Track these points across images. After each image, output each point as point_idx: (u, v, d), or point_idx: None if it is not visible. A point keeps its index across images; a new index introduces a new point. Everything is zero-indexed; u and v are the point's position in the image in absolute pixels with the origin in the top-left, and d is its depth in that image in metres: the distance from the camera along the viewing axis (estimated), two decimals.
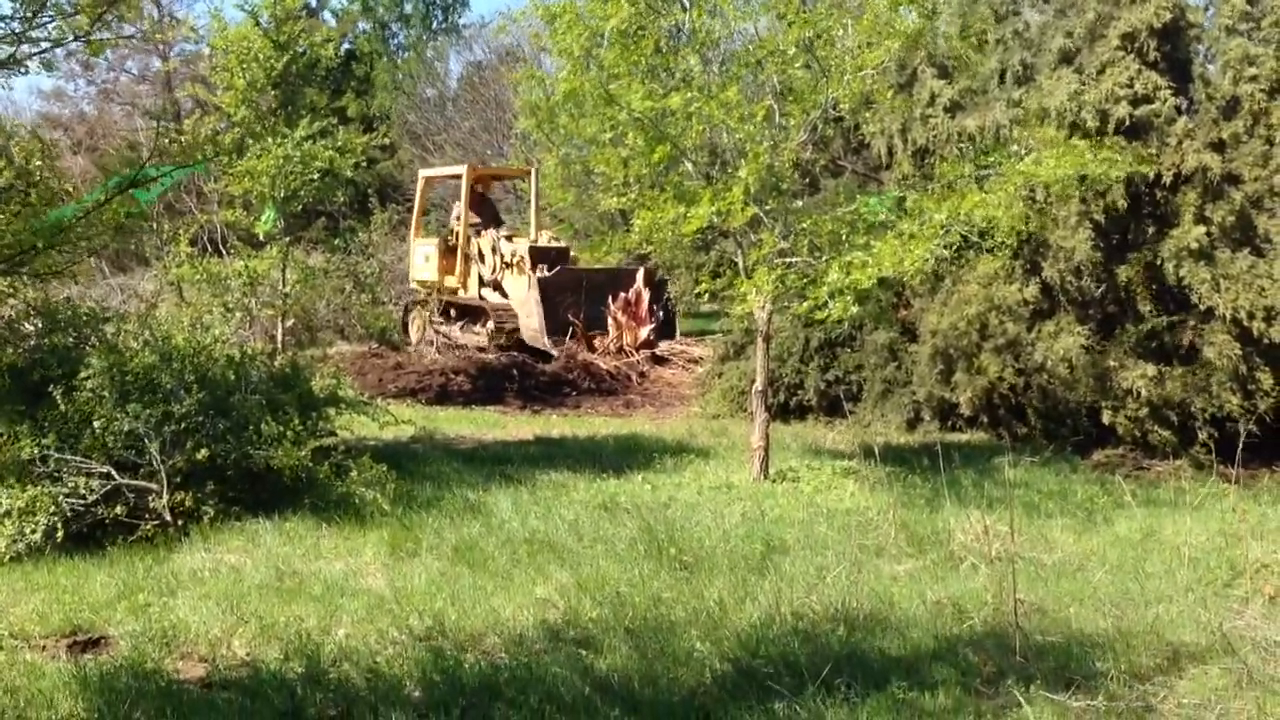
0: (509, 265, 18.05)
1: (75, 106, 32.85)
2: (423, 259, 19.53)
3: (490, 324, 17.59)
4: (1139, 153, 10.10)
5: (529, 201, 22.51)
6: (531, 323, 16.80)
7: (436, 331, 18.07)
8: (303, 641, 5.08)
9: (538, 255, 17.68)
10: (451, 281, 19.07)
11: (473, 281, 18.80)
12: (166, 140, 7.86)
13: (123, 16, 5.38)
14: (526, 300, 17.04)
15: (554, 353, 16.09)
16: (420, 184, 20.42)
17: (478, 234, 18.91)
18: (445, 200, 25.22)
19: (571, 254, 18.69)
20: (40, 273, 7.29)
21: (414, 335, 19.03)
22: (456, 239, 19.02)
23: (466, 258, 18.82)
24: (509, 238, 18.80)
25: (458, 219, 19.21)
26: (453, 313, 18.68)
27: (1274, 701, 4.35)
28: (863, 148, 14.02)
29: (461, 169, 19.75)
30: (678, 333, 18.21)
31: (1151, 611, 5.58)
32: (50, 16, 4.87)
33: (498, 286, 18.34)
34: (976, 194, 8.31)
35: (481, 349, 17.31)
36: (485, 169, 21.29)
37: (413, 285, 20.09)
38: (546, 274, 16.94)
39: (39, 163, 6.61)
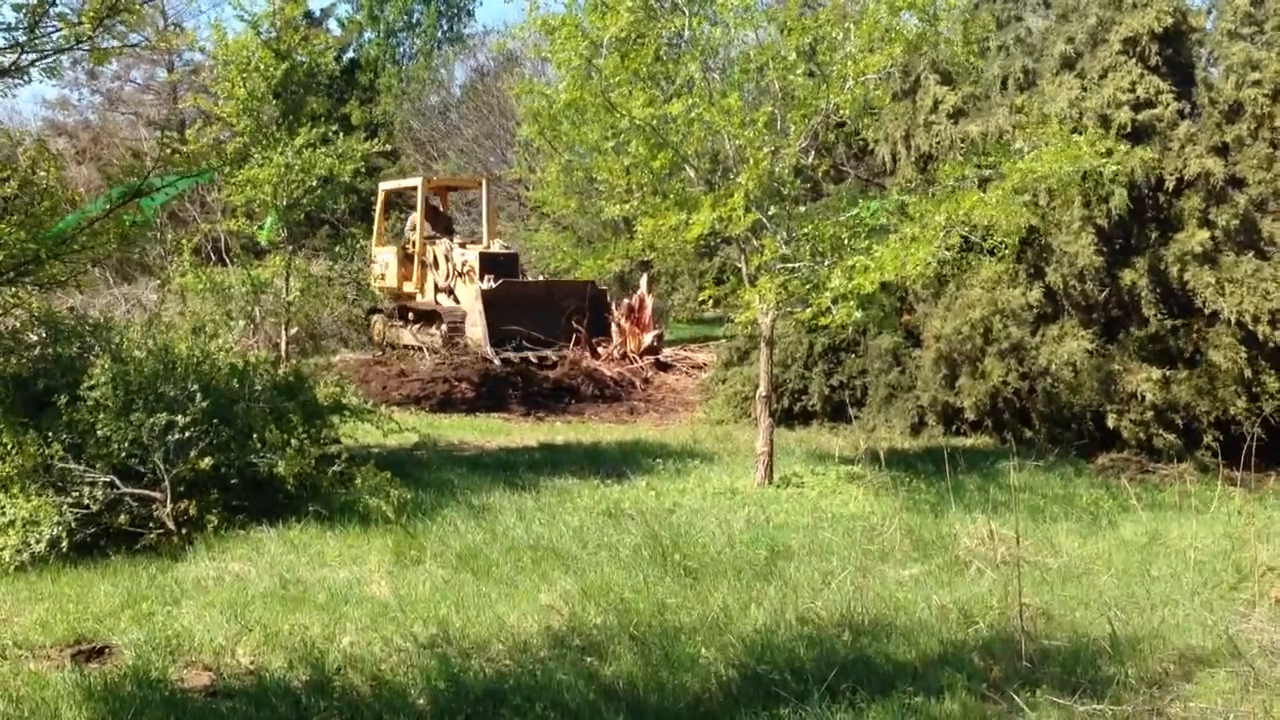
0: (460, 274, 18.54)
1: (80, 115, 32.93)
2: (384, 265, 20.10)
3: (444, 327, 17.84)
4: (1141, 155, 10.09)
5: (534, 209, 22.49)
6: (476, 333, 17.19)
7: (429, 336, 18.30)
8: (307, 649, 5.07)
9: (487, 261, 18.10)
10: (409, 287, 19.67)
11: (429, 287, 19.38)
12: (170, 150, 7.88)
13: (127, 24, 5.38)
14: (472, 310, 17.43)
15: (496, 362, 16.32)
16: (381, 196, 20.94)
17: (433, 242, 19.41)
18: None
19: (521, 261, 19.58)
20: (44, 283, 7.31)
21: (375, 338, 19.63)
22: (413, 247, 19.59)
23: (423, 265, 19.42)
24: (463, 245, 19.33)
25: (412, 229, 19.84)
26: (411, 316, 19.19)
27: None
28: (866, 153, 14.02)
29: (413, 181, 20.54)
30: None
31: (1157, 615, 5.57)
32: (54, 25, 4.88)
33: (451, 293, 18.87)
34: (975, 194, 8.31)
35: (434, 350, 17.60)
36: (440, 180, 21.98)
37: (374, 290, 20.48)
38: (491, 286, 17.29)
39: (44, 173, 6.62)
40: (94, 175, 23.33)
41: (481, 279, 17.68)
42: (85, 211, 6.86)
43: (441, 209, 21.00)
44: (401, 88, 34.93)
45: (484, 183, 20.85)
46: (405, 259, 19.74)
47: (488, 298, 17.12)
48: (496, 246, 19.20)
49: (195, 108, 13.07)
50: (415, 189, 20.17)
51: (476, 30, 39.95)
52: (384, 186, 21.43)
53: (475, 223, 24.65)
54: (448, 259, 18.90)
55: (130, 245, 8.04)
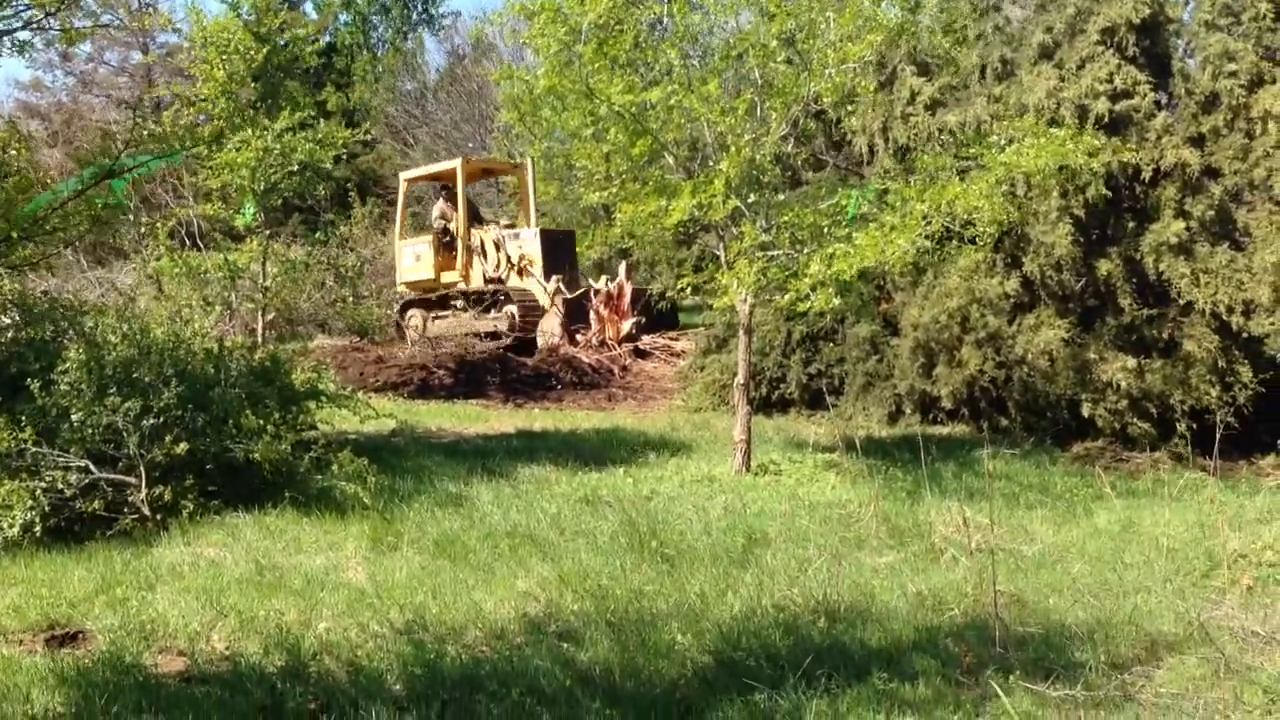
0: (516, 268, 17.93)
1: (54, 97, 32.64)
2: (413, 258, 19.26)
3: (512, 309, 17.47)
4: (1118, 147, 10.14)
5: (512, 194, 22.28)
6: (553, 340, 17.00)
7: (494, 321, 17.86)
8: (283, 635, 5.05)
9: (548, 242, 17.63)
10: (450, 276, 18.85)
11: (476, 273, 18.62)
12: (144, 132, 7.80)
13: (97, 1, 5.33)
14: (549, 317, 17.14)
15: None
16: (402, 186, 20.21)
17: (478, 227, 18.77)
18: (421, 197, 25.04)
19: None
20: (16, 265, 7.24)
21: (412, 335, 18.75)
22: (450, 235, 18.80)
23: (469, 250, 18.61)
24: (511, 226, 18.66)
25: (441, 217, 19.03)
26: (459, 304, 18.49)
27: (1251, 691, 4.38)
28: (844, 143, 14.04)
29: (449, 164, 19.65)
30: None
31: (1130, 602, 5.61)
32: (23, 3, 4.82)
33: (500, 284, 18.20)
34: (958, 185, 8.33)
35: (496, 335, 17.25)
36: (478, 163, 21.14)
37: (400, 287, 19.85)
38: (569, 295, 17.00)
39: (14, 153, 6.54)
40: (66, 159, 23.10)
41: (545, 271, 17.27)
42: (57, 192, 6.79)
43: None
44: (376, 73, 34.71)
45: (529, 164, 19.69)
46: (442, 248, 18.88)
47: (568, 306, 16.98)
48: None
49: (171, 93, 12.94)
50: (440, 176, 19.53)
51: (450, 12, 39.81)
52: (405, 176, 20.60)
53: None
54: (498, 247, 18.18)
55: (103, 227, 7.97)
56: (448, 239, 18.88)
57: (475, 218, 19.39)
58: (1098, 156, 9.08)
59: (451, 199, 18.88)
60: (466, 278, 18.68)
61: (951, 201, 8.22)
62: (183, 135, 7.73)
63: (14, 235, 5.58)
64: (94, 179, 6.03)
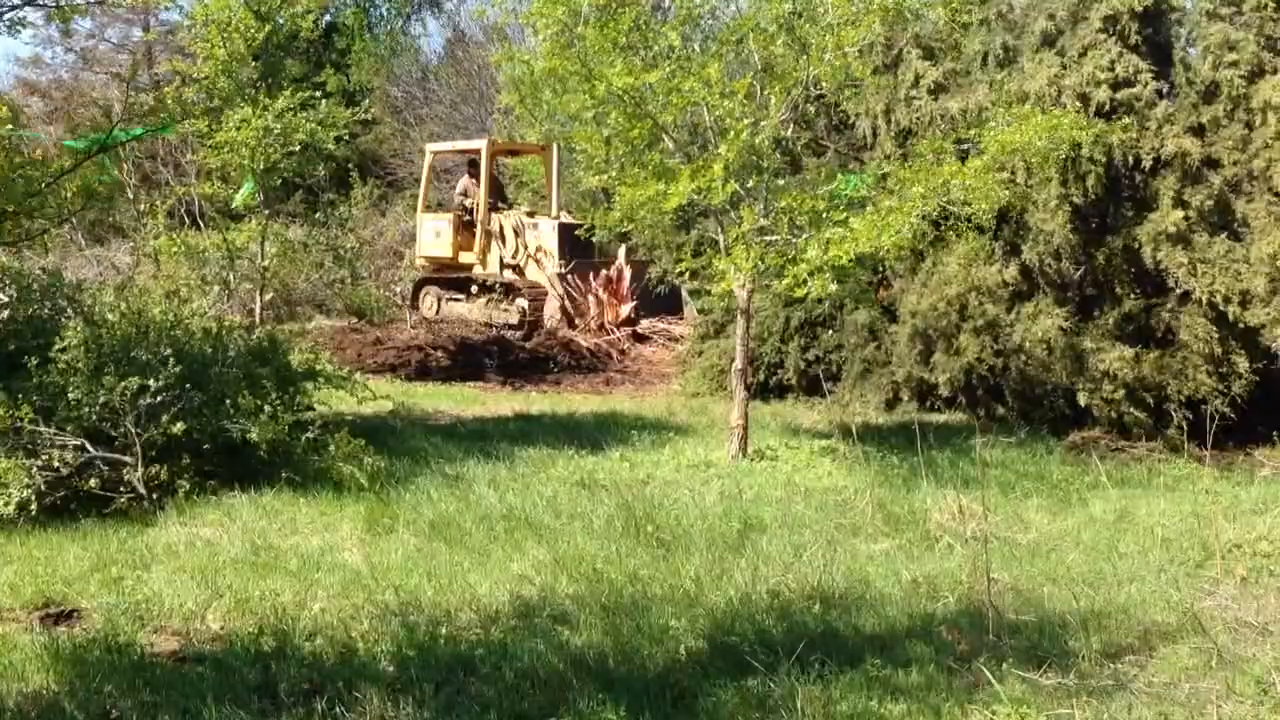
0: (533, 258, 17.73)
1: (54, 74, 32.56)
2: (433, 234, 18.93)
3: (523, 302, 17.35)
4: (1113, 129, 10.11)
5: (513, 176, 22.10)
6: (551, 323, 17.01)
7: (505, 312, 17.72)
8: (277, 616, 5.07)
9: (566, 231, 17.41)
10: (467, 258, 18.60)
11: (492, 259, 18.36)
12: (140, 106, 7.78)
13: None
14: (549, 300, 17.12)
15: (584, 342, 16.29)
16: (427, 159, 20.05)
17: (498, 210, 18.55)
18: (444, 173, 24.87)
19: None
20: (10, 240, 7.22)
21: (426, 312, 18.59)
22: (472, 215, 18.60)
23: (488, 234, 18.33)
24: (531, 214, 18.47)
25: (464, 194, 18.83)
26: (474, 289, 18.28)
27: (1243, 681, 4.40)
28: (846, 127, 13.98)
29: (476, 143, 19.41)
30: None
31: (1124, 591, 5.63)
32: None
33: (517, 271, 18.00)
34: (953, 165, 8.32)
35: (511, 326, 17.21)
36: (504, 144, 20.91)
37: (419, 262, 19.72)
38: (557, 271, 16.99)
39: (10, 127, 6.52)
40: (65, 136, 23.02)
41: (561, 254, 17.10)
42: (51, 164, 6.77)
43: (493, 173, 19.75)
44: (377, 54, 34.50)
45: (553, 147, 18.89)
46: (463, 227, 18.56)
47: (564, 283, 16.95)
48: (564, 218, 18.35)
49: (172, 72, 12.88)
50: (467, 153, 19.27)
51: None
52: (431, 149, 20.31)
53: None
54: (517, 234, 17.91)
55: (101, 203, 7.95)
56: (468, 218, 18.62)
57: (500, 199, 19.12)
58: (1093, 131, 9.05)
59: (477, 177, 18.69)
60: (483, 262, 18.40)
61: (947, 182, 8.21)
62: (175, 108, 7.69)
63: (8, 209, 5.57)
64: (85, 153, 6.02)
